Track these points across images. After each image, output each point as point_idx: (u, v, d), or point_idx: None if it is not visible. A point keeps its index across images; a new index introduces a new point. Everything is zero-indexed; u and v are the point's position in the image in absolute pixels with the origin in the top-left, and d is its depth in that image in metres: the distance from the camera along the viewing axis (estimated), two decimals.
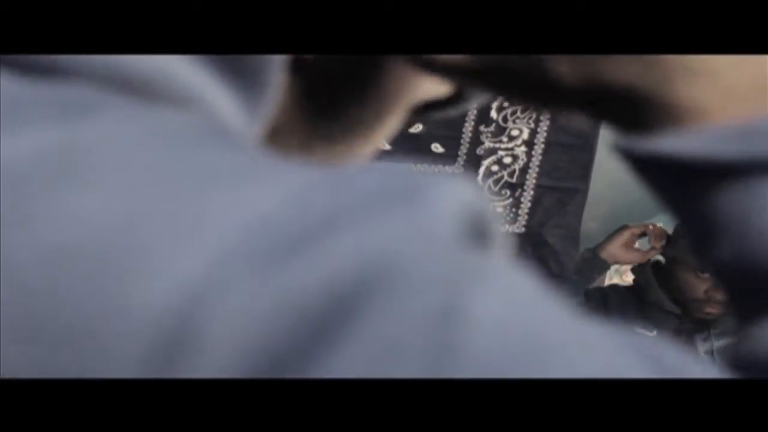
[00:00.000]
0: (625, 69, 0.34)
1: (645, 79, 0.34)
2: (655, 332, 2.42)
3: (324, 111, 0.38)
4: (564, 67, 0.35)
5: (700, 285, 2.28)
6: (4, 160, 0.25)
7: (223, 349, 0.23)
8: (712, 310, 2.28)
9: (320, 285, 0.24)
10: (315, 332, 0.24)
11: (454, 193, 0.26)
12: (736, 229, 0.32)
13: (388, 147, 2.37)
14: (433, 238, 0.25)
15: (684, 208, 0.34)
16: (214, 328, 0.23)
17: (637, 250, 2.41)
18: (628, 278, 2.84)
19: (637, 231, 2.38)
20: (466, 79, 0.38)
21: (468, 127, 2.45)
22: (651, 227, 2.40)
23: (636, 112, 0.35)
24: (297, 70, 0.37)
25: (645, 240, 2.41)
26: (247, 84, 0.32)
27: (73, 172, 0.25)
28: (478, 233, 0.27)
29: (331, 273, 0.24)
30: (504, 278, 0.26)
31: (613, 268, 2.82)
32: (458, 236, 0.26)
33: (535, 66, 0.35)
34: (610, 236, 2.43)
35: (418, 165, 2.37)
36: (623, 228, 2.41)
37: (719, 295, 1.84)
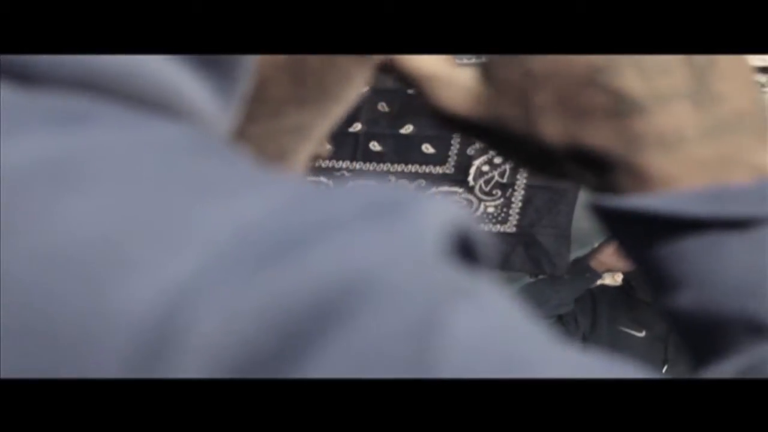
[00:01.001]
0: (602, 132, 0.36)
1: (618, 143, 0.36)
2: (644, 333, 2.42)
3: (293, 75, 0.38)
4: (549, 126, 0.37)
5: None
6: None
7: (205, 353, 0.24)
8: None
9: (302, 295, 0.24)
10: (294, 339, 0.24)
11: (439, 213, 0.26)
12: (697, 281, 0.35)
13: (379, 148, 2.37)
14: (415, 255, 0.25)
15: (647, 259, 0.36)
16: (196, 332, 0.24)
17: None
18: (618, 278, 2.84)
19: None
20: (455, 126, 0.39)
21: None
22: None
23: (608, 174, 0.37)
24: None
25: None
26: (220, 72, 0.32)
27: (64, 180, 0.26)
28: (463, 253, 0.27)
29: (312, 284, 0.24)
30: (484, 298, 0.27)
31: None
32: (442, 255, 0.26)
33: (522, 122, 0.37)
34: (602, 244, 2.43)
35: (409, 166, 2.37)
36: None
37: None
